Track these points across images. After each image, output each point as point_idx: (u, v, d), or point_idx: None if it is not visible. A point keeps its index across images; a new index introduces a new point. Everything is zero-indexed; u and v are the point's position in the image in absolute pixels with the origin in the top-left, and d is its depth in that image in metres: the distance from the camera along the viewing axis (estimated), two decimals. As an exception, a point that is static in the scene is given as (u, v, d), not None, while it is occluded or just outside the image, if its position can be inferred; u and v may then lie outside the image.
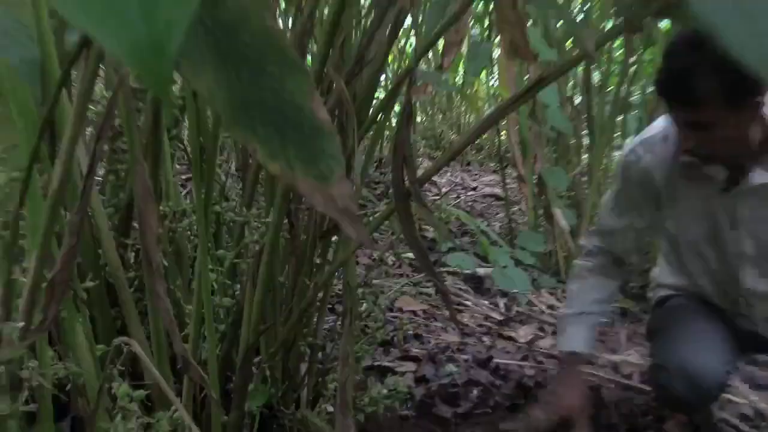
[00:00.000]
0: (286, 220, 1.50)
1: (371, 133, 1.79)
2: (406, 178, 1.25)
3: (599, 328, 3.02)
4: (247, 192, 1.54)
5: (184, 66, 0.56)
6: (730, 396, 2.22)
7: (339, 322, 1.74)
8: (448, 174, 5.65)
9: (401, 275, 3.06)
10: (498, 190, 5.09)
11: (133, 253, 1.66)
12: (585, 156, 4.00)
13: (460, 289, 3.10)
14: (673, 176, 1.75)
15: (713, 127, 1.51)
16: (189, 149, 1.47)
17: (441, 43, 1.53)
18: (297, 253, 1.52)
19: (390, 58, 4.34)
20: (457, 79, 5.71)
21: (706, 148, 1.58)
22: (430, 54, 4.93)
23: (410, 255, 3.35)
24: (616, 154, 4.27)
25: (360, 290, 1.78)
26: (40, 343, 1.27)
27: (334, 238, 1.67)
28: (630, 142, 1.88)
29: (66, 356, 1.44)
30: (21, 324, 1.14)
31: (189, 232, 1.72)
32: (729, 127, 1.51)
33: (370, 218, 3.51)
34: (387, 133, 4.51)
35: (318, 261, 1.61)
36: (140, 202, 1.05)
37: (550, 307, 3.20)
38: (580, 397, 1.84)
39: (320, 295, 1.70)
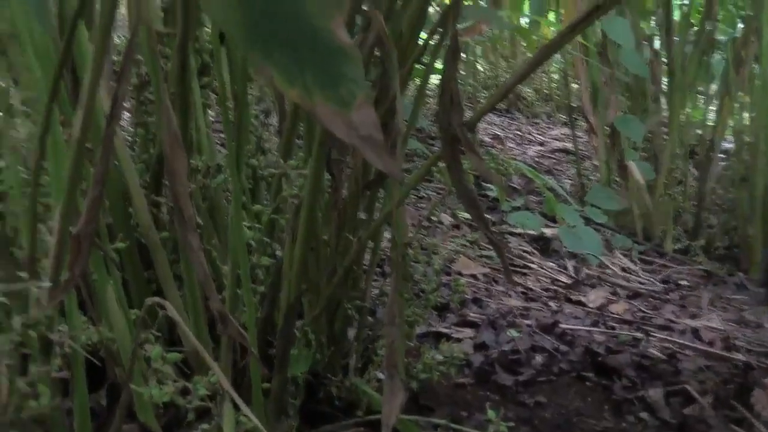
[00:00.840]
0: (327, 172, 1.52)
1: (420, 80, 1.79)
2: (453, 123, 1.25)
3: (683, 293, 3.03)
4: (283, 141, 1.56)
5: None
6: None
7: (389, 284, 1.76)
8: (513, 127, 5.62)
9: (461, 236, 3.07)
10: (568, 145, 5.04)
11: (166, 213, 1.70)
12: (664, 103, 3.94)
13: (525, 251, 3.10)
14: None
15: None
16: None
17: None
18: (339, 207, 1.54)
19: None
20: (522, 20, 5.64)
21: None
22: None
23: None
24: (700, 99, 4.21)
25: (411, 251, 1.80)
26: (69, 306, 1.31)
27: (381, 193, 1.69)
28: None
29: (99, 321, 1.49)
30: (48, 284, 1.18)
31: (225, 190, 1.76)
32: None
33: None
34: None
35: (364, 216, 1.62)
36: (167, 149, 1.07)
37: (624, 269, 3.19)
38: None
39: (368, 254, 1.73)
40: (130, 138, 1.79)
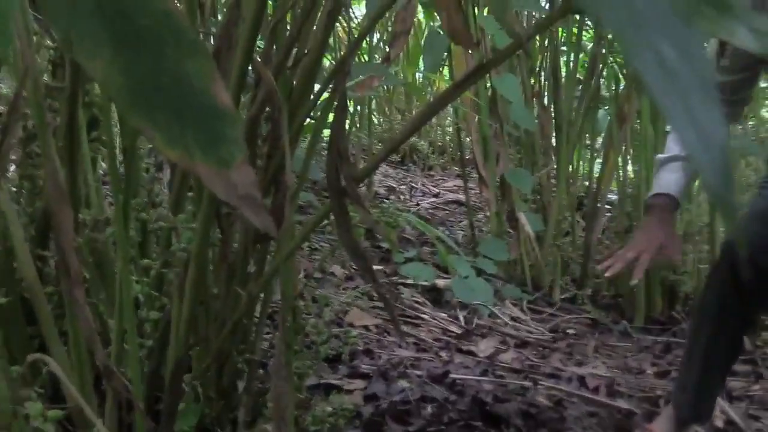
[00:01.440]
0: (217, 226, 1.53)
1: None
2: (341, 175, 1.28)
3: (571, 341, 3.11)
4: (174, 195, 1.57)
5: (77, 49, 0.59)
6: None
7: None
8: (408, 179, 5.70)
9: (353, 288, 3.10)
10: (461, 196, 5.15)
11: (52, 267, 1.68)
12: (553, 156, 4.07)
13: (417, 301, 3.15)
14: None
15: None
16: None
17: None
18: (228, 261, 1.55)
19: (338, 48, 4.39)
20: (417, 75, 5.77)
21: None
22: (384, 46, 4.98)
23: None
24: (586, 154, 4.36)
25: (302, 303, 1.81)
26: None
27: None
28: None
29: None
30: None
31: (113, 243, 1.74)
32: None
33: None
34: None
35: (254, 269, 1.64)
36: (53, 203, 1.07)
37: (514, 319, 3.26)
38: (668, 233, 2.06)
39: (258, 307, 1.73)
40: (15, 190, 1.77)
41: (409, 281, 3.30)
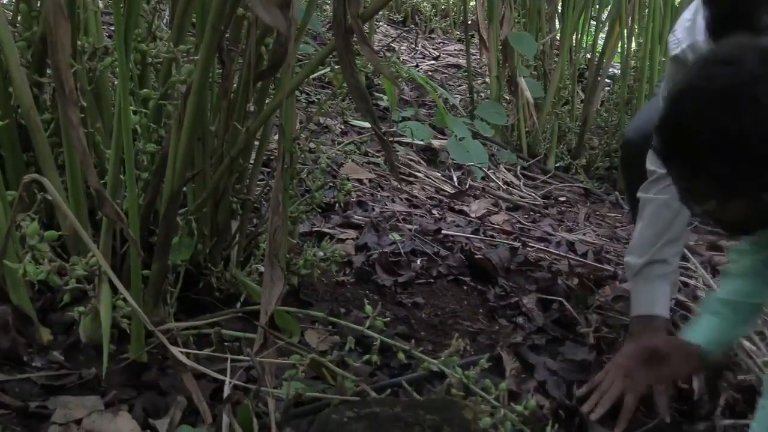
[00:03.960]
0: (218, 61, 1.49)
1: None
2: (348, 13, 1.25)
3: (562, 209, 3.12)
4: (175, 27, 1.52)
5: None
6: (685, 279, 2.31)
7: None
8: (408, 40, 5.60)
9: (350, 142, 3.08)
10: (462, 61, 5.07)
11: (48, 95, 1.64)
12: (557, 23, 3.99)
13: (412, 160, 3.14)
14: None
15: None
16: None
17: None
18: (229, 96, 1.52)
19: None
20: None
21: None
22: None
23: (361, 123, 3.36)
24: (592, 23, 4.28)
25: (298, 148, 1.80)
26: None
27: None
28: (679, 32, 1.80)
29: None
30: None
31: (111, 73, 1.71)
32: None
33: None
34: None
35: (253, 108, 1.61)
36: (51, 19, 1.04)
37: (508, 183, 3.26)
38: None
39: (255, 145, 1.72)
40: (10, 13, 1.72)
41: (405, 139, 3.28)
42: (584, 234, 2.76)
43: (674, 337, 1.70)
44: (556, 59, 3.87)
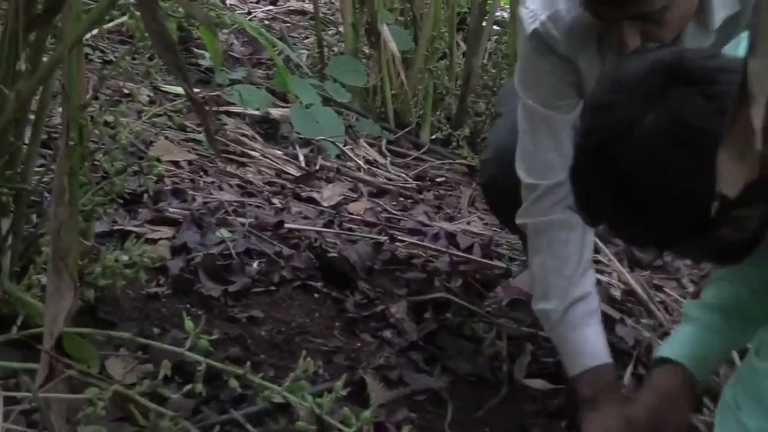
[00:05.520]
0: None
1: None
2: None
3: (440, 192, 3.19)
4: None
5: None
6: (598, 276, 2.41)
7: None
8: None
9: (162, 114, 3.06)
10: (307, 5, 5.09)
11: None
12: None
13: (245, 135, 3.15)
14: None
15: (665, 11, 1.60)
16: None
17: None
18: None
19: None
20: None
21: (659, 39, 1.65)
22: None
23: (175, 88, 3.35)
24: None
25: (90, 120, 1.79)
26: None
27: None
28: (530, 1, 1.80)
29: None
30: None
31: None
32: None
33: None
34: None
35: (25, 66, 1.60)
36: None
37: (370, 162, 3.31)
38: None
39: (31, 120, 1.70)
40: None
41: (236, 109, 3.29)
42: (468, 223, 2.83)
43: (648, 385, 1.74)
44: (428, 1, 3.92)
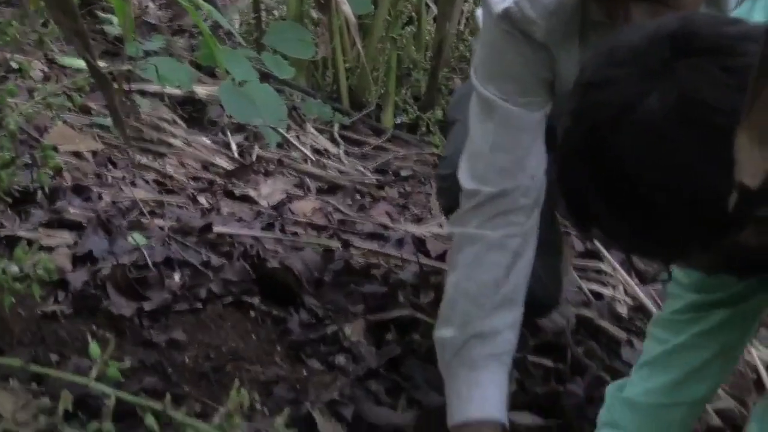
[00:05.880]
0: None
1: None
2: None
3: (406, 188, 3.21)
4: None
5: None
6: (597, 287, 2.44)
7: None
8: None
9: (59, 94, 3.06)
10: (241, -40, 5.11)
11: None
12: None
13: (164, 119, 3.16)
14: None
15: None
16: None
17: None
18: None
19: None
20: None
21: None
22: None
23: (77, 62, 3.35)
24: None
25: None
26: None
27: None
28: None
29: None
30: None
31: None
32: None
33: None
34: None
35: None
36: None
37: (319, 151, 3.32)
38: None
39: None
40: None
41: (152, 87, 3.29)
42: (440, 225, 2.84)
43: None
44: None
